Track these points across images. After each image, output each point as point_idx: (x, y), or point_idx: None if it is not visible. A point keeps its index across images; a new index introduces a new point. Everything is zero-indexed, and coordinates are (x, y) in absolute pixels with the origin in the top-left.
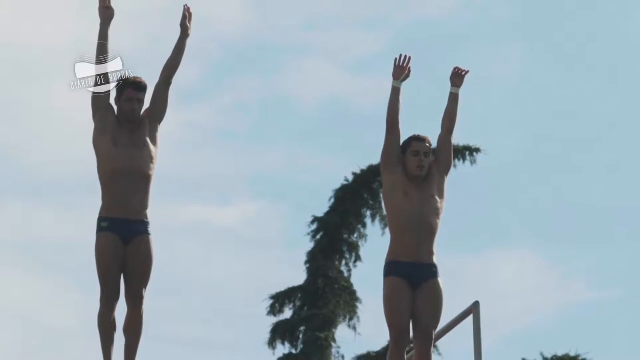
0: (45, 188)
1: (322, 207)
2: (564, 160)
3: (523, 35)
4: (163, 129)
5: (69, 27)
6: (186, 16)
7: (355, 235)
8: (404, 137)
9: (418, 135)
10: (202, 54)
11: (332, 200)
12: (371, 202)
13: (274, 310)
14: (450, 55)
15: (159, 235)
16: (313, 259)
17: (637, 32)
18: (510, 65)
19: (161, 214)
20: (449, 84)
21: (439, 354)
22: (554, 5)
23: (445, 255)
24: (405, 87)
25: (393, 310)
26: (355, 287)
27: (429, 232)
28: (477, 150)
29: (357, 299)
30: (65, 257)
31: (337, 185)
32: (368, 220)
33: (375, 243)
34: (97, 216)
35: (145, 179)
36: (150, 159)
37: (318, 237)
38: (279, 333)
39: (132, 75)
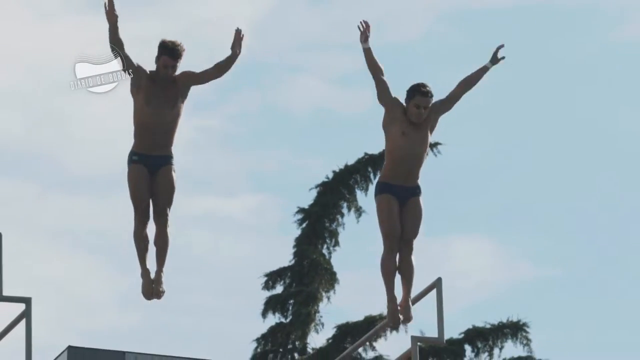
0: (82, 183)
1: (307, 199)
2: (514, 158)
3: (480, 56)
4: (178, 134)
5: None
6: (238, 40)
7: (335, 224)
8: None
9: (423, 90)
10: None
11: (315, 193)
12: (347, 196)
13: (267, 286)
14: (417, 71)
15: (175, 223)
16: (299, 243)
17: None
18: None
19: (176, 205)
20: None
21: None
22: (508, 27)
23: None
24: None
25: (386, 219)
26: (335, 269)
27: (418, 163)
28: (439, 144)
29: (336, 279)
30: (99, 240)
31: (320, 181)
32: (345, 211)
33: (351, 230)
34: (125, 205)
35: (171, 129)
36: (177, 115)
37: (303, 225)
38: (271, 305)
39: (170, 40)
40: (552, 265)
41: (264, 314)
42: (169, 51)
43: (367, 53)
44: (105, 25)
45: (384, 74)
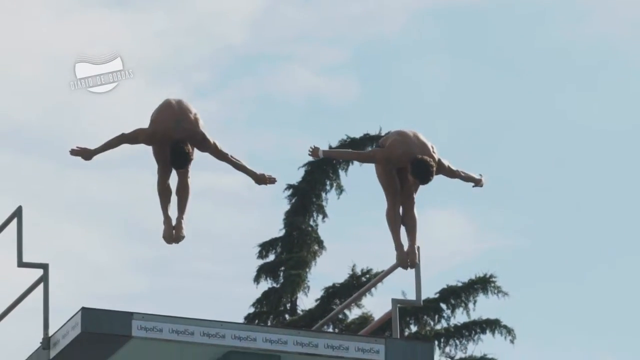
0: (96, 161)
1: (296, 177)
2: (484, 145)
3: (452, 49)
4: None
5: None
6: (266, 181)
7: (321, 199)
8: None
9: (428, 179)
10: (212, 61)
11: (303, 172)
12: (331, 175)
13: (261, 254)
14: (395, 64)
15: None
16: (289, 216)
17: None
18: (440, 72)
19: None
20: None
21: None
22: (478, 23)
23: None
24: (368, 90)
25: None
26: (322, 238)
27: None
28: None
29: (323, 247)
30: (112, 211)
31: (307, 161)
32: (328, 187)
33: (334, 204)
34: (135, 180)
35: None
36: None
37: (293, 200)
38: (264, 271)
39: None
40: (520, 236)
41: (257, 280)
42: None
43: (328, 155)
44: (115, 23)
45: (357, 153)
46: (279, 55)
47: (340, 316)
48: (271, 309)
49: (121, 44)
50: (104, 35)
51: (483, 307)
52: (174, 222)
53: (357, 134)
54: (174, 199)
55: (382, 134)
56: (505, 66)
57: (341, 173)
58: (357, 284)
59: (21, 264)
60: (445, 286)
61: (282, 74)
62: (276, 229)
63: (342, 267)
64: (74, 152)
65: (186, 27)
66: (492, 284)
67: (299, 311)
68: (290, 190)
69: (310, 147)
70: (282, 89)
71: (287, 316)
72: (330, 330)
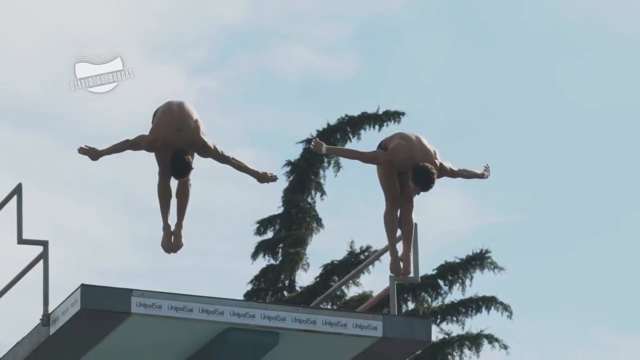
0: (97, 139)
1: (294, 153)
2: (481, 123)
3: (452, 27)
4: (182, 93)
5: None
6: (268, 179)
7: (319, 176)
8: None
9: (430, 187)
10: (212, 38)
11: (302, 149)
12: None
13: (259, 231)
14: (394, 42)
15: None
16: (287, 194)
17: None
18: (439, 50)
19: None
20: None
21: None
22: (477, 2)
23: None
24: (366, 67)
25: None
26: (320, 215)
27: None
28: (402, 113)
29: (321, 224)
30: (111, 188)
31: (305, 138)
32: (326, 165)
33: (332, 181)
34: (135, 157)
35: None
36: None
37: (291, 177)
38: (262, 248)
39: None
40: (515, 212)
41: (254, 256)
42: (178, 176)
43: (331, 152)
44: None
45: (360, 153)
46: (278, 32)
47: (338, 293)
48: (270, 286)
49: (120, 20)
50: (103, 12)
51: (479, 283)
52: (172, 228)
53: (355, 112)
54: (173, 201)
55: (380, 112)
56: (504, 45)
57: None
58: (356, 261)
59: (21, 240)
60: (444, 262)
61: (281, 51)
62: (275, 207)
63: (340, 244)
64: (82, 151)
65: (185, 5)
66: (488, 260)
67: (297, 288)
68: (289, 167)
69: (313, 141)
70: (281, 66)
71: (285, 293)
72: (329, 307)
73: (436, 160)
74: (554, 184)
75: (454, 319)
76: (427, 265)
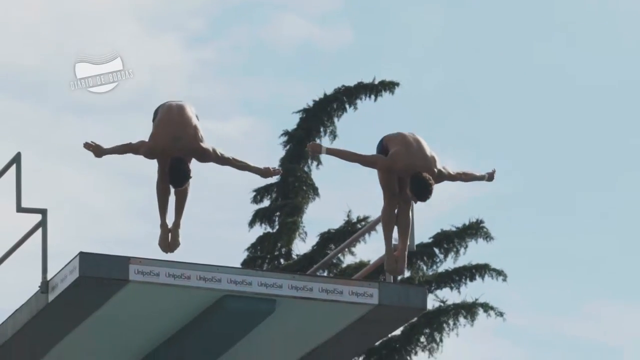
0: (94, 107)
1: (291, 123)
2: (474, 93)
3: None
4: (180, 64)
5: None
6: (272, 173)
7: None
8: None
9: (427, 197)
10: (208, 9)
11: (298, 119)
12: (326, 122)
13: (256, 199)
14: (388, 12)
15: None
16: (284, 163)
17: None
18: (434, 21)
19: None
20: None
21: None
22: None
23: None
24: (362, 37)
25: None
26: (317, 185)
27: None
28: (397, 84)
29: (317, 193)
30: (110, 157)
31: (302, 108)
32: (322, 134)
33: None
34: (132, 125)
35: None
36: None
37: (288, 146)
38: (259, 217)
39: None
40: (511, 181)
41: (251, 224)
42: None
43: (330, 153)
44: None
45: (360, 156)
46: (273, 3)
47: (334, 261)
48: (266, 254)
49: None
50: None
51: (474, 252)
52: (169, 225)
53: (351, 82)
54: (171, 198)
55: (376, 82)
56: (497, 16)
57: (335, 120)
58: (352, 231)
59: (20, 209)
60: (440, 231)
61: (276, 22)
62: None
63: (337, 213)
64: (87, 146)
65: None
66: (484, 229)
67: (293, 256)
68: (286, 137)
69: (310, 144)
70: (277, 37)
71: (282, 261)
72: (325, 274)
73: (435, 169)
74: (548, 155)
75: (449, 286)
76: (423, 233)
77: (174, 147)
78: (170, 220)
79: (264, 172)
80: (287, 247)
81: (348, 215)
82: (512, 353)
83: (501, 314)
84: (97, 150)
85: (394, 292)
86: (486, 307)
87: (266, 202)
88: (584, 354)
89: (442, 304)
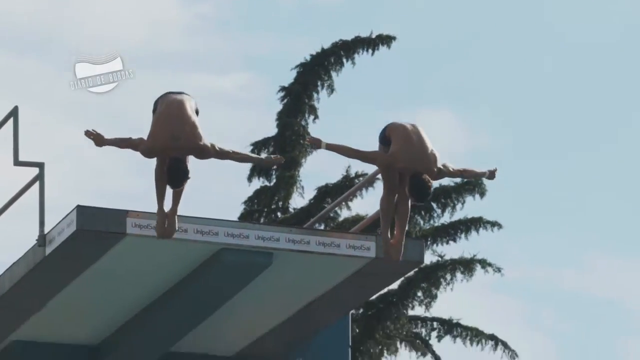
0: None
1: (289, 78)
2: (473, 49)
3: None
4: (178, 18)
5: None
6: (273, 163)
7: (313, 99)
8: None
9: (424, 201)
10: None
11: (296, 73)
12: (324, 76)
13: (253, 153)
14: None
15: None
16: (281, 117)
17: None
18: None
19: (175, 81)
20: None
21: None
22: None
23: (386, 112)
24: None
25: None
26: None
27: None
28: (393, 38)
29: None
30: (108, 110)
31: (299, 62)
32: (320, 89)
33: (325, 105)
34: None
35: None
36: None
37: (285, 100)
38: (257, 170)
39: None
40: (504, 135)
41: (250, 179)
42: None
43: (330, 148)
44: None
45: (360, 152)
46: None
47: (331, 215)
48: (263, 208)
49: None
50: None
51: (471, 207)
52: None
53: (349, 36)
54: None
55: (374, 36)
56: None
57: (333, 74)
58: (350, 185)
59: (17, 162)
60: (438, 185)
61: None
62: (269, 130)
63: (334, 167)
64: (88, 134)
65: None
66: (480, 185)
67: (290, 209)
68: (283, 92)
69: (309, 138)
70: None
71: (279, 214)
72: (322, 228)
73: (435, 169)
74: (544, 108)
75: (445, 240)
76: None
77: (172, 147)
78: (167, 206)
79: (266, 162)
80: (286, 201)
81: (347, 171)
82: (509, 306)
83: (499, 270)
84: (98, 140)
85: None
86: (484, 263)
87: (263, 156)
88: (581, 306)
89: (440, 259)
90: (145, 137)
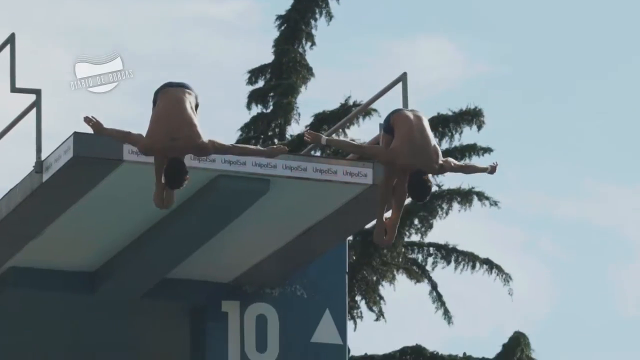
0: None
1: (286, 5)
2: None
3: None
4: None
5: None
6: (278, 152)
7: (310, 26)
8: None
9: (423, 200)
10: None
11: (293, 0)
12: (321, 3)
13: (251, 80)
14: None
15: (171, 25)
16: (278, 44)
17: None
18: None
19: (172, 9)
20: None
21: (378, 116)
22: None
23: (384, 40)
24: None
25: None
26: (311, 65)
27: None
28: None
29: (312, 73)
30: (106, 38)
31: None
32: (318, 16)
33: (323, 32)
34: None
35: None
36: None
37: (282, 28)
38: (254, 98)
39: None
40: (503, 63)
41: (248, 106)
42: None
43: (330, 143)
44: None
45: (361, 147)
46: None
47: None
48: (260, 134)
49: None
50: None
51: (467, 137)
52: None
53: None
54: None
55: None
56: None
57: (331, 1)
58: (348, 113)
59: (14, 89)
60: (436, 114)
61: None
62: (267, 57)
63: (332, 94)
64: (87, 120)
65: None
66: (481, 117)
67: (287, 136)
68: (280, 20)
69: (308, 133)
70: None
71: (275, 141)
72: (319, 155)
73: (436, 165)
74: (540, 36)
75: None
76: None
77: (170, 146)
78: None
79: (269, 153)
80: (283, 127)
81: (346, 100)
82: (506, 233)
83: (495, 203)
84: (97, 128)
85: None
86: (481, 196)
87: (261, 83)
88: (577, 234)
89: (437, 188)
90: (144, 133)
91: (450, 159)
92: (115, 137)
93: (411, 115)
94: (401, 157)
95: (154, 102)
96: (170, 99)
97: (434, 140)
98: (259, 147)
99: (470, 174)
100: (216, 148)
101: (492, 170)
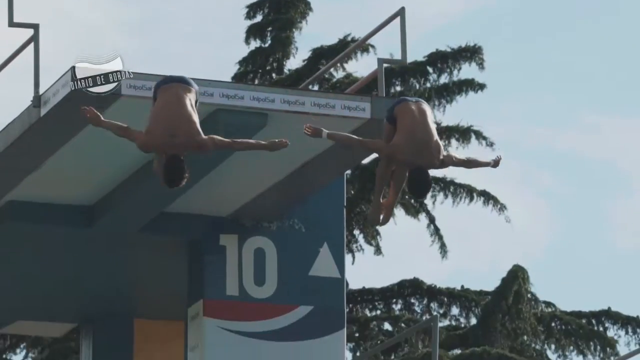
0: None
1: None
2: None
3: None
4: None
5: None
6: (279, 146)
7: None
8: None
9: (423, 196)
10: None
11: None
12: None
13: (249, 15)
14: None
15: None
16: None
17: None
18: None
19: None
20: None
21: (375, 54)
22: None
23: None
24: None
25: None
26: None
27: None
28: None
29: (310, 8)
30: None
31: None
32: None
33: None
34: None
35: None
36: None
37: None
38: (252, 32)
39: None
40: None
41: (247, 41)
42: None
43: (331, 137)
44: None
45: (362, 141)
46: None
47: (326, 76)
48: (257, 68)
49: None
50: None
51: (466, 74)
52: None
53: None
54: None
55: None
56: None
57: None
58: (346, 47)
59: (12, 24)
60: (435, 50)
61: None
62: None
63: (331, 30)
64: (85, 112)
65: None
66: (479, 55)
67: (285, 71)
68: None
69: (309, 127)
70: None
71: (273, 75)
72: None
73: (437, 161)
74: None
75: (439, 103)
76: (418, 51)
77: (170, 144)
78: None
79: (271, 147)
80: (282, 61)
81: (345, 38)
82: (504, 166)
83: (491, 145)
84: (95, 120)
85: (386, 105)
86: (478, 135)
87: (259, 18)
88: (575, 167)
89: (435, 124)
90: (143, 129)
91: (452, 154)
92: (113, 130)
93: (415, 108)
94: (402, 154)
95: (154, 97)
96: (169, 95)
97: (436, 135)
98: (260, 141)
99: (472, 168)
100: (216, 144)
101: (495, 164)
